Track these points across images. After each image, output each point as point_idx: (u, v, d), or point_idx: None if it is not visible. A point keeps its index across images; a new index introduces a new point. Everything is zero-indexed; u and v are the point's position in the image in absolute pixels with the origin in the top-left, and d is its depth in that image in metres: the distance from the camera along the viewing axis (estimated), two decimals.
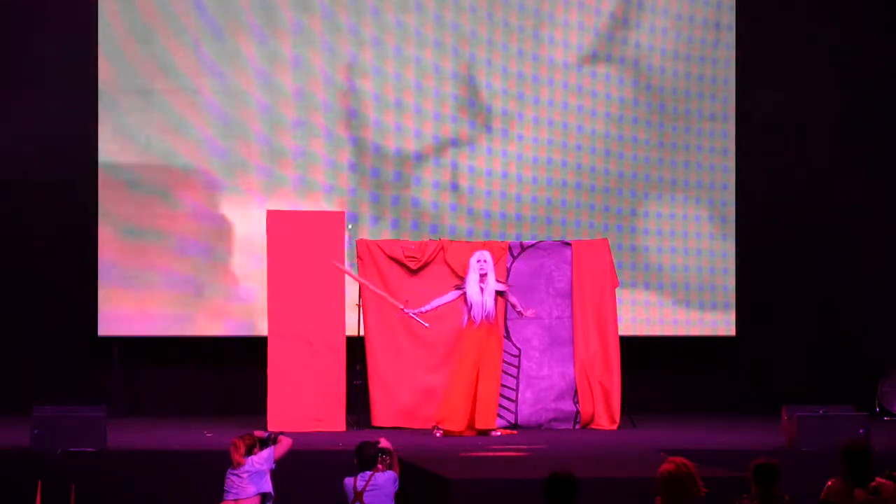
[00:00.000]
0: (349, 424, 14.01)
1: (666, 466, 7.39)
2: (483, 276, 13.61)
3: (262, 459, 9.93)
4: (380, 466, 9.81)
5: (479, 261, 13.68)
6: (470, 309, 13.56)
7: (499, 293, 13.71)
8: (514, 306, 13.93)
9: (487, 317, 13.59)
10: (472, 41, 16.24)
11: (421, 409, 14.22)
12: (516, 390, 14.37)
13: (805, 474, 10.21)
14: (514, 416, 14.32)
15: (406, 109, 16.09)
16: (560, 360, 14.54)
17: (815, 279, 16.75)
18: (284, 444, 10.12)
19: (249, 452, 9.92)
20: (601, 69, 16.47)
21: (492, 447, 12.62)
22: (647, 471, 8.96)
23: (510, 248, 14.56)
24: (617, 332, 14.59)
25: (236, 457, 9.88)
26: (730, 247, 16.62)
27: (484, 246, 14.55)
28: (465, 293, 13.60)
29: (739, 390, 16.43)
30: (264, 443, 10.06)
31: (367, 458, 9.82)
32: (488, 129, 16.26)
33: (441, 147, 16.18)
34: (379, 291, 14.00)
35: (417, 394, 14.28)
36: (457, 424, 13.45)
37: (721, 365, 16.62)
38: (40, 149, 15.60)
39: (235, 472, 9.88)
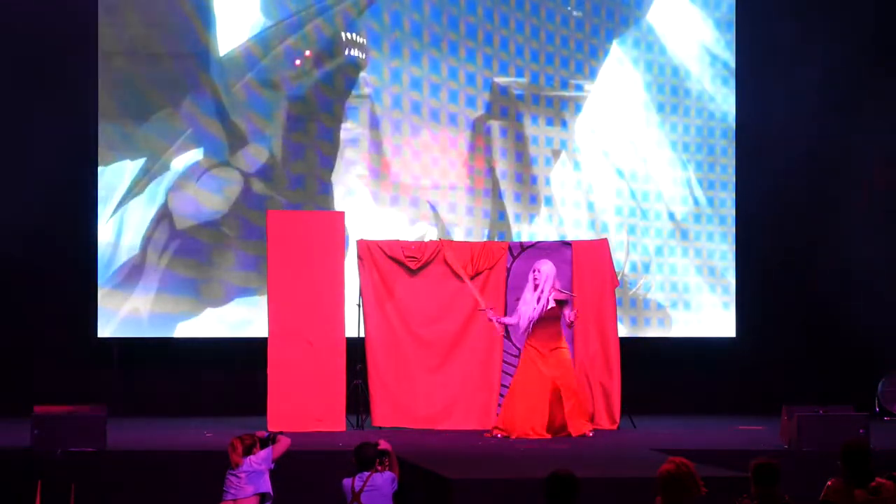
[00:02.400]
0: (349, 424, 14.01)
1: (666, 466, 7.38)
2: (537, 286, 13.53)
3: (260, 459, 9.92)
4: (378, 468, 9.80)
5: (532, 270, 13.56)
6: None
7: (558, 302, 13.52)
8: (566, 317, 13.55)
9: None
10: (473, 40, 16.25)
11: (421, 409, 14.21)
12: None
13: (805, 474, 10.21)
14: None
15: (407, 109, 16.10)
16: None
17: (814, 279, 16.74)
18: (282, 443, 10.10)
19: (248, 453, 9.90)
20: (598, 69, 16.49)
21: (492, 447, 12.63)
22: (647, 471, 8.96)
23: (510, 248, 14.54)
24: (616, 333, 14.57)
25: (234, 457, 9.87)
26: (730, 247, 16.62)
27: (483, 247, 14.54)
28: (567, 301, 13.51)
29: (739, 390, 16.42)
30: (264, 443, 10.05)
31: (365, 458, 9.80)
32: (487, 129, 16.26)
33: (441, 146, 16.20)
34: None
35: (417, 394, 14.27)
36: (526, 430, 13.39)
37: (721, 365, 16.60)
38: (40, 150, 15.58)
39: (234, 472, 9.87)
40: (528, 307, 13.43)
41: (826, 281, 16.72)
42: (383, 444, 9.93)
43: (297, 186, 15.89)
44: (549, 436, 13.30)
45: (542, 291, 13.40)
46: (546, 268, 13.52)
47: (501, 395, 14.15)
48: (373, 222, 15.78)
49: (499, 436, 13.35)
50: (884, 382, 15.86)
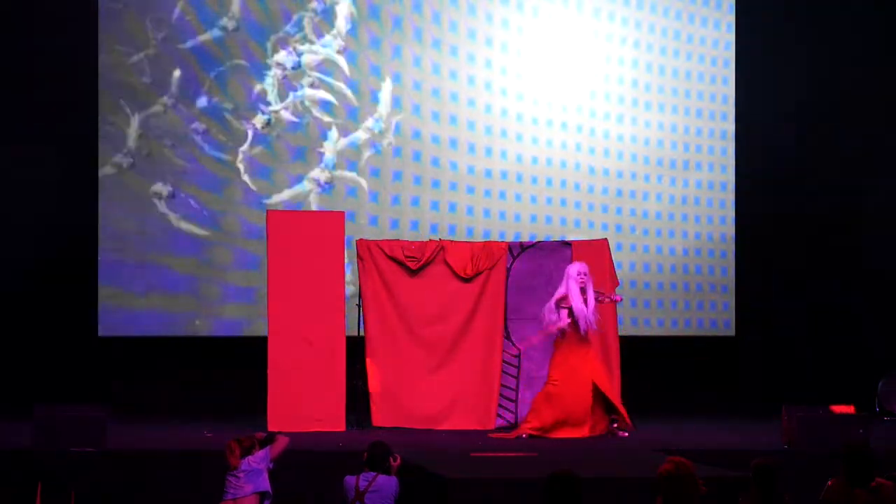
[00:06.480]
0: (349, 424, 14.01)
1: (666, 466, 7.37)
2: (584, 290, 13.51)
3: (258, 459, 9.90)
4: (393, 464, 9.81)
5: (579, 273, 13.56)
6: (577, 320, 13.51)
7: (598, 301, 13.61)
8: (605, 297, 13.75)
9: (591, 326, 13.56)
10: (470, 40, 16.26)
11: (421, 409, 14.20)
12: (516, 390, 14.34)
13: (805, 474, 10.21)
14: (513, 415, 14.27)
15: (408, 109, 16.12)
16: None
17: (814, 279, 16.75)
18: (281, 443, 10.09)
19: (247, 454, 9.89)
20: (599, 68, 16.50)
21: (492, 447, 12.63)
22: (647, 471, 8.96)
23: (510, 248, 14.53)
24: (617, 332, 14.56)
25: (231, 460, 9.85)
26: (729, 247, 16.63)
27: (483, 247, 14.54)
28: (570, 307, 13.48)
29: (739, 390, 16.42)
30: (263, 443, 10.04)
31: (376, 456, 9.79)
32: (487, 129, 16.27)
33: (440, 147, 16.21)
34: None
35: (417, 394, 14.26)
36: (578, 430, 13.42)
37: (721, 365, 16.61)
38: (41, 151, 15.59)
39: (233, 473, 9.87)
40: (587, 308, 13.39)
41: (826, 280, 16.73)
42: (397, 462, 9.91)
43: (297, 186, 15.89)
44: (593, 430, 13.33)
45: (591, 291, 13.44)
46: (586, 268, 13.54)
47: (502, 395, 14.15)
48: (373, 222, 15.79)
49: (535, 434, 13.29)
50: (884, 382, 15.86)
